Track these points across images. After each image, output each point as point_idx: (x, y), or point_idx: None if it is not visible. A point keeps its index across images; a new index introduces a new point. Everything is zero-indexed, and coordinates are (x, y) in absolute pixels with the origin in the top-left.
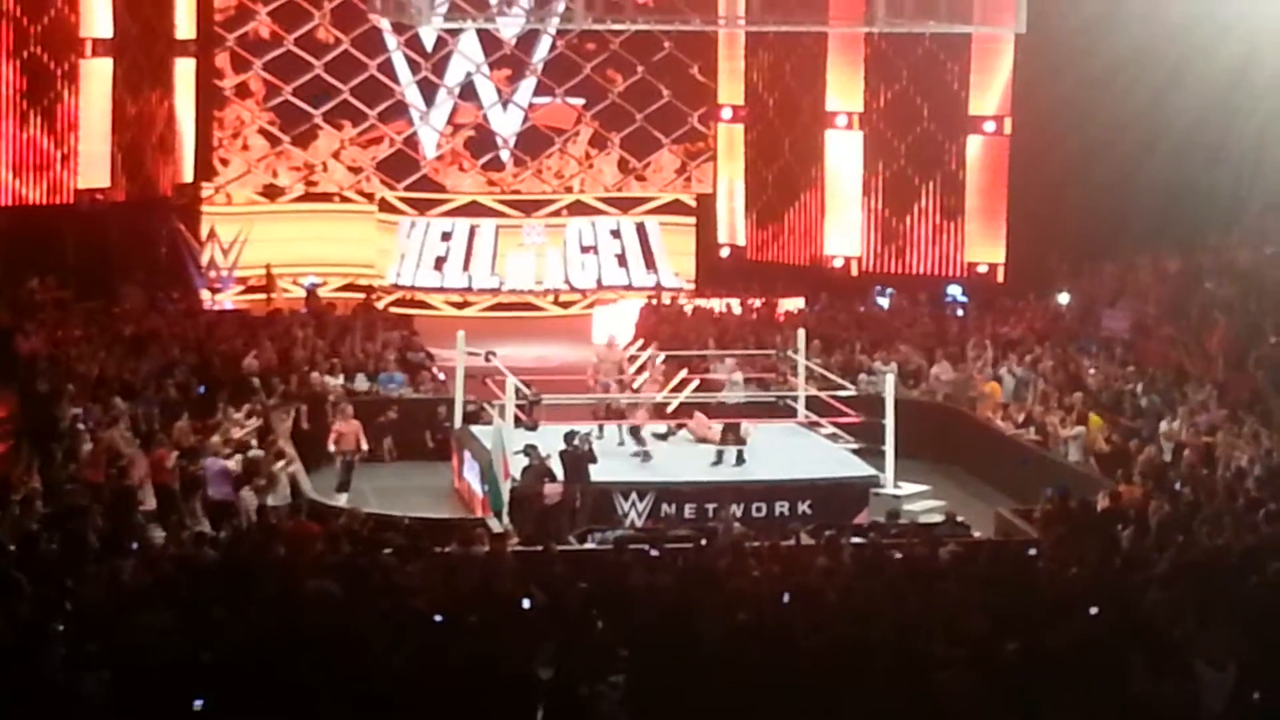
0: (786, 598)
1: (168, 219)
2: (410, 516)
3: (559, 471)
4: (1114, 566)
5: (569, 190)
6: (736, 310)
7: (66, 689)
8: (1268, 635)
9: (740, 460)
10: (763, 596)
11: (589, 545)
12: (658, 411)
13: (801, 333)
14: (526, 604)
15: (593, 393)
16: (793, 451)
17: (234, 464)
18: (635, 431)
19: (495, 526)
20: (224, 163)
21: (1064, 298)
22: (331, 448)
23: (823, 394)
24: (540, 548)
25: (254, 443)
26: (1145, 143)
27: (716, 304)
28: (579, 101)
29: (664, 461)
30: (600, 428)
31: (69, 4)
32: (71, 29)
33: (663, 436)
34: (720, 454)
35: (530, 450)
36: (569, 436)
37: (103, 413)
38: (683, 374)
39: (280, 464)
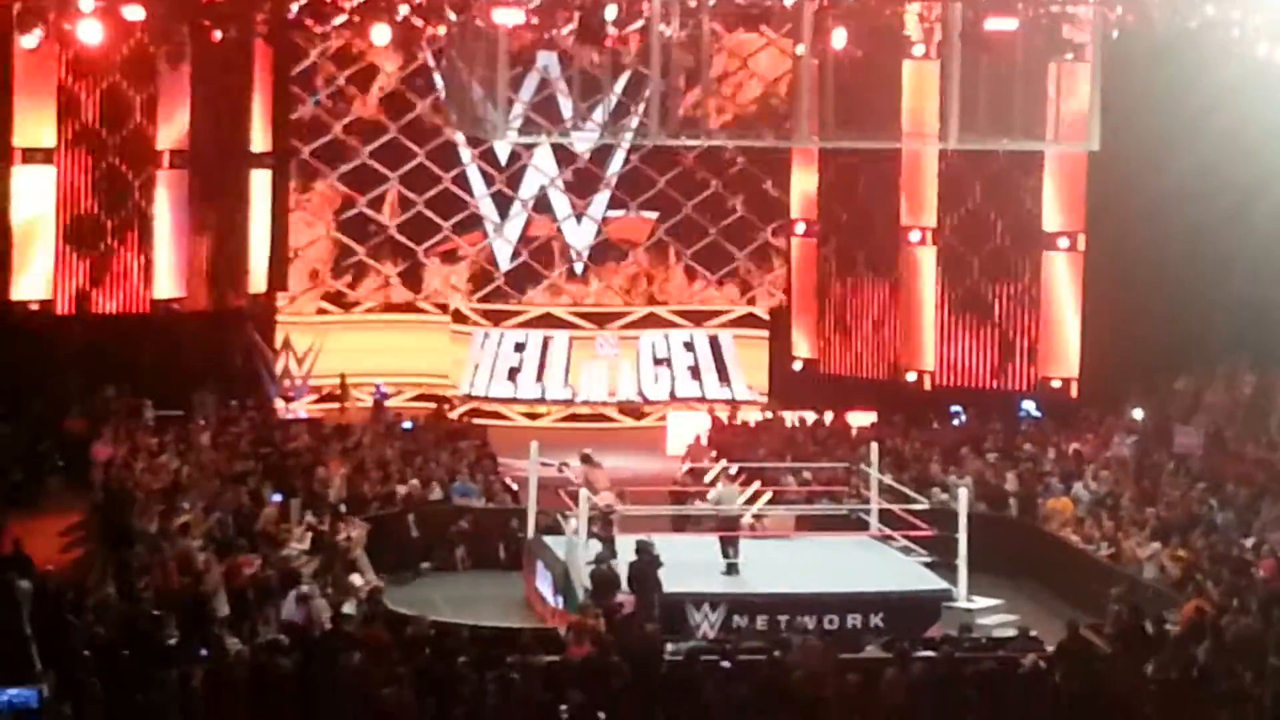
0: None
1: (243, 328)
2: (483, 625)
3: (626, 581)
4: (1189, 681)
5: (642, 303)
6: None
7: None
8: None
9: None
10: (835, 709)
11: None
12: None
13: (875, 446)
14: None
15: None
16: (865, 564)
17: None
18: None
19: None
20: (298, 273)
21: (1138, 413)
22: None
23: (895, 507)
24: (614, 658)
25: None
26: (1220, 259)
27: (789, 416)
28: (652, 215)
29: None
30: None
31: (147, 117)
32: (149, 141)
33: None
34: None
35: (600, 558)
36: (640, 548)
37: (176, 520)
38: (755, 486)
39: (354, 574)
